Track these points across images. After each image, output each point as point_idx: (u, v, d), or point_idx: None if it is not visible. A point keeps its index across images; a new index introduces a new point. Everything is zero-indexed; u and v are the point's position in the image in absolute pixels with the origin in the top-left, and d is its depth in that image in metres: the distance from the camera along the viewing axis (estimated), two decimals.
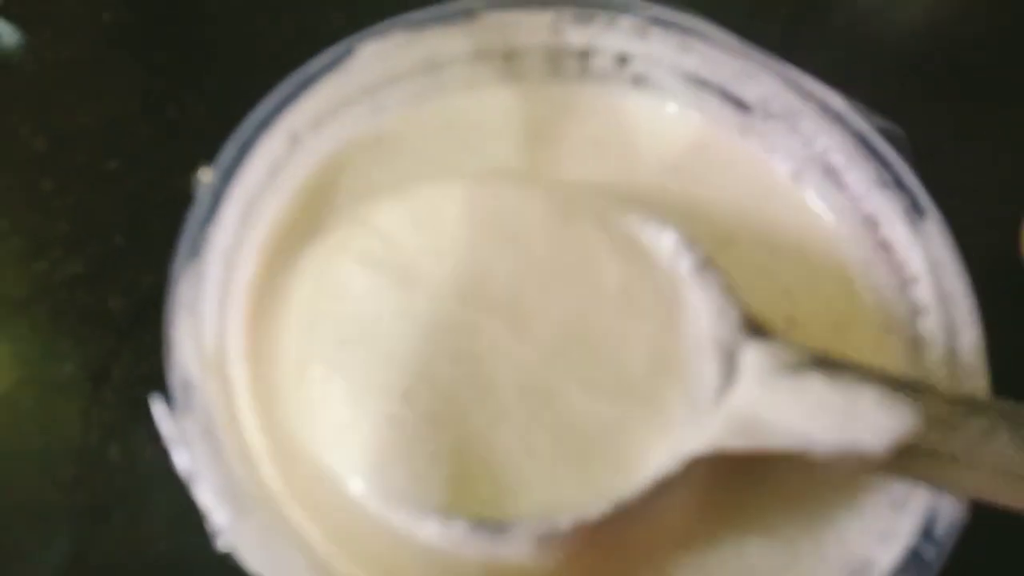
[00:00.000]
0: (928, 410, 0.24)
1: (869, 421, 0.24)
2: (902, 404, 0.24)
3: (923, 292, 0.30)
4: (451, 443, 0.26)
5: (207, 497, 0.23)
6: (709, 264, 0.29)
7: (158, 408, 0.24)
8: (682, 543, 0.27)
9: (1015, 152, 0.42)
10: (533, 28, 0.34)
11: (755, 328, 0.27)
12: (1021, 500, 0.24)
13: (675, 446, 0.26)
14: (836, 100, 0.33)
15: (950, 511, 0.26)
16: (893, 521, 0.27)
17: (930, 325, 0.30)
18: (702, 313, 0.28)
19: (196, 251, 0.27)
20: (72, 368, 0.32)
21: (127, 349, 0.32)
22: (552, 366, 0.27)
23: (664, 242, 0.29)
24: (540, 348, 0.27)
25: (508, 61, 0.35)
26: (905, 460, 0.24)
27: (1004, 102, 0.45)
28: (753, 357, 0.26)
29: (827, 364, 0.26)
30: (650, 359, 0.27)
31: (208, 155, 0.29)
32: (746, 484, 0.28)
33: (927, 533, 0.25)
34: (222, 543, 0.23)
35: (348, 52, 0.31)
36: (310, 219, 0.31)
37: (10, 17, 0.40)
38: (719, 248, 0.32)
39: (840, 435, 0.24)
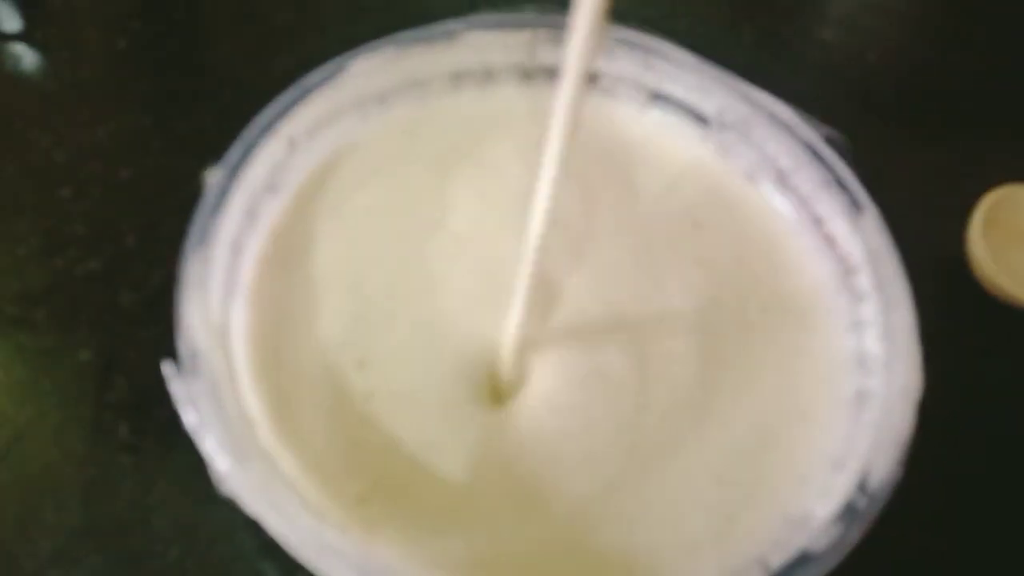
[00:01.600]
0: None
1: None
2: None
3: (863, 280, 0.33)
4: None
5: (211, 447, 0.26)
6: None
7: (169, 372, 0.27)
8: None
9: (959, 169, 0.46)
10: (510, 47, 0.38)
11: None
12: None
13: None
14: (784, 111, 0.36)
15: (884, 469, 0.28)
16: (832, 479, 0.29)
17: (869, 309, 0.32)
18: None
19: (204, 238, 0.30)
20: (87, 355, 0.35)
21: (137, 338, 0.35)
22: None
23: None
24: None
25: (485, 76, 0.38)
26: None
27: (952, 124, 0.48)
28: None
29: None
30: None
31: (214, 164, 0.32)
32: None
33: (862, 487, 0.28)
34: (225, 489, 0.26)
35: (341, 67, 0.35)
36: (304, 212, 0.34)
37: (32, 42, 0.44)
38: (690, 230, 0.36)
39: None
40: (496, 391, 0.31)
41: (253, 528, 0.26)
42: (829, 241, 0.35)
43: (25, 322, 0.35)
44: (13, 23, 0.43)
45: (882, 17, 0.53)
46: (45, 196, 0.39)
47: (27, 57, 0.43)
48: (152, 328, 0.35)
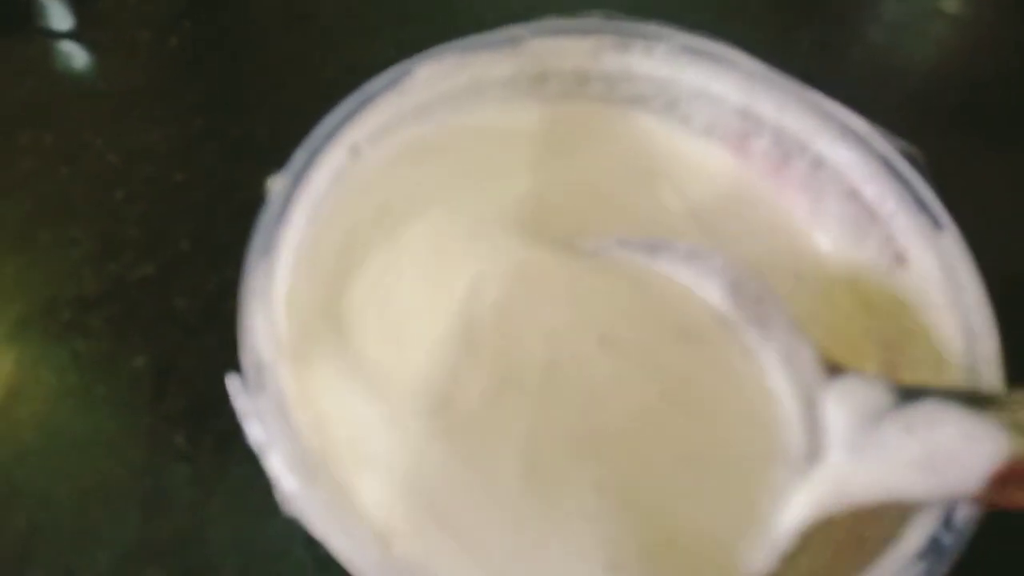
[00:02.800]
0: (1015, 422, 0.23)
1: (957, 461, 0.24)
2: (988, 431, 0.23)
3: (940, 305, 0.31)
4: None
5: (277, 466, 0.25)
6: (771, 307, 0.28)
7: (234, 386, 0.26)
8: None
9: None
10: (574, 54, 0.37)
11: (828, 365, 0.27)
12: None
13: (780, 522, 0.26)
14: (857, 122, 0.35)
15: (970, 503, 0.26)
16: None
17: (949, 336, 0.31)
18: (772, 359, 0.28)
19: (269, 247, 0.29)
20: (142, 362, 0.34)
21: (192, 345, 0.35)
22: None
23: (711, 289, 0.30)
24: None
25: (545, 83, 0.37)
26: (1011, 485, 0.24)
27: (1015, 131, 0.47)
28: (834, 411, 0.26)
29: (905, 398, 0.25)
30: (730, 437, 0.27)
31: (267, 170, 0.31)
32: None
33: (947, 521, 0.26)
34: (289, 509, 0.25)
35: (406, 72, 0.34)
36: (368, 222, 0.33)
37: (83, 42, 0.43)
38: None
39: (931, 484, 0.24)
40: None
41: (311, 543, 0.25)
42: (901, 260, 0.34)
43: (80, 327, 0.35)
44: (65, 22, 0.43)
45: (937, 21, 0.52)
46: (99, 199, 0.38)
47: (78, 57, 0.43)
48: (208, 335, 0.34)
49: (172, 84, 0.43)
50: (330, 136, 0.32)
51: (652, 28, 0.37)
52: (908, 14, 0.52)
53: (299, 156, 0.31)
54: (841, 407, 0.25)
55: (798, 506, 0.26)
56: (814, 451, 0.26)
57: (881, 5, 0.53)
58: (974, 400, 0.25)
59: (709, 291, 0.30)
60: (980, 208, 0.42)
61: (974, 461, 0.23)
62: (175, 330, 0.35)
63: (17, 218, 0.37)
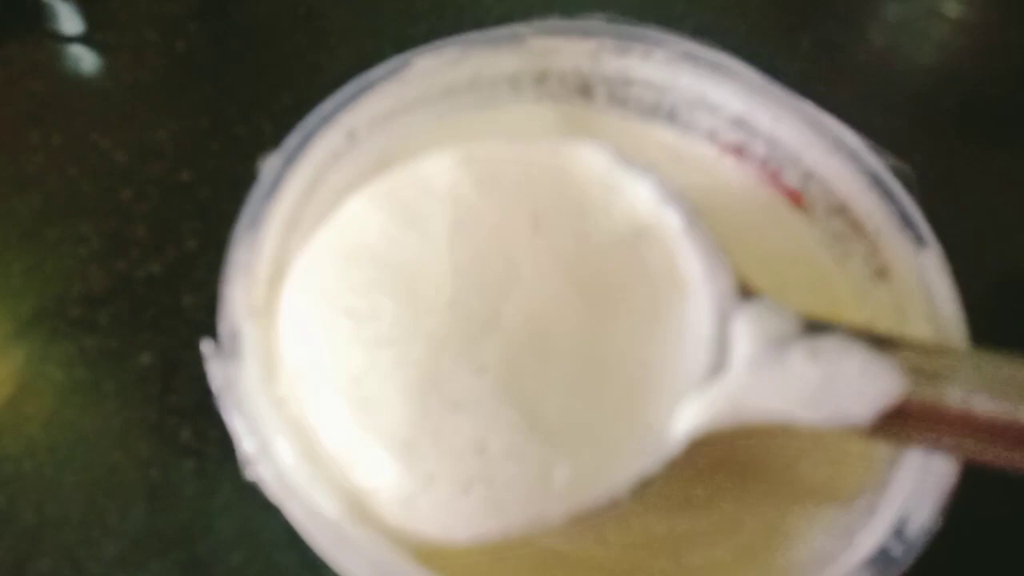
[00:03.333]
0: (912, 366, 0.25)
1: (853, 392, 0.25)
2: (885, 368, 0.25)
3: (918, 317, 0.32)
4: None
5: (239, 430, 0.26)
6: (696, 221, 0.29)
7: (208, 351, 0.27)
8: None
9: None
10: (574, 54, 0.37)
11: (744, 290, 0.28)
12: (1006, 457, 0.25)
13: (671, 426, 0.26)
14: (850, 137, 0.36)
15: (923, 515, 0.26)
16: (865, 520, 0.28)
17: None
18: (693, 274, 0.28)
19: (256, 221, 0.30)
20: (149, 358, 0.35)
21: (199, 342, 0.35)
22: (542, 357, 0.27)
23: (643, 192, 0.30)
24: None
25: (545, 82, 0.38)
26: (895, 424, 0.25)
27: (1015, 132, 0.48)
28: (742, 330, 0.26)
29: (812, 330, 0.26)
30: (637, 338, 0.27)
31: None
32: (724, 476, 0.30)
33: (898, 533, 0.26)
34: (250, 473, 0.26)
35: (405, 63, 0.35)
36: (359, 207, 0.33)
37: (92, 44, 0.44)
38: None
39: (825, 411, 0.25)
40: None
41: None
42: (882, 274, 0.34)
43: (88, 324, 0.35)
44: (74, 25, 0.43)
45: (940, 24, 0.52)
46: (106, 198, 0.39)
47: (87, 59, 0.43)
48: (214, 332, 0.35)
49: (179, 85, 0.43)
50: (326, 120, 0.33)
51: (652, 33, 0.38)
52: (909, 16, 0.53)
53: (293, 137, 0.32)
54: (749, 327, 0.26)
55: (691, 414, 0.26)
56: (717, 366, 0.26)
57: (882, 7, 0.53)
58: (878, 341, 0.26)
59: (645, 196, 0.30)
60: (978, 209, 0.43)
61: (869, 395, 0.25)
62: (182, 327, 0.36)
63: (27, 216, 0.38)
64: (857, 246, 0.35)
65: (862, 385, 0.25)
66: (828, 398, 0.25)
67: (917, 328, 0.32)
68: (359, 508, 0.26)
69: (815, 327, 0.26)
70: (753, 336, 0.26)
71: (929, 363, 0.26)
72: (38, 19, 0.44)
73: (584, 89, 0.39)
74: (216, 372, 0.27)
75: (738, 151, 0.38)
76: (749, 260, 0.32)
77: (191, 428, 0.33)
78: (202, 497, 0.32)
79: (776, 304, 0.27)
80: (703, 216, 0.29)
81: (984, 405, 0.25)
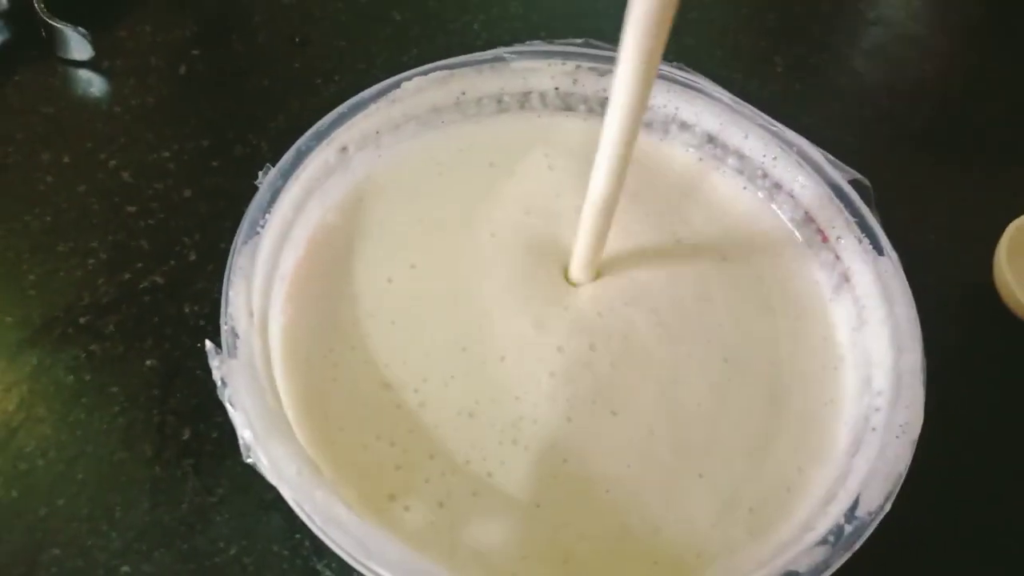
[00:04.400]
0: None
1: None
2: None
3: (876, 320, 0.34)
4: None
5: (238, 420, 0.28)
6: None
7: (210, 349, 0.29)
8: None
9: (986, 197, 0.47)
10: (554, 75, 0.40)
11: None
12: None
13: None
14: (814, 153, 0.38)
15: (874, 498, 0.29)
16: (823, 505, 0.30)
17: (881, 346, 0.34)
18: None
19: (254, 231, 0.32)
20: (152, 363, 0.37)
21: (198, 349, 0.37)
22: None
23: None
24: None
25: (527, 99, 0.40)
26: None
27: (978, 152, 0.50)
28: None
29: None
30: None
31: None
32: None
33: (848, 514, 0.28)
34: (248, 457, 0.28)
35: (396, 85, 0.37)
36: (351, 215, 0.36)
37: (100, 70, 0.46)
38: (716, 264, 0.37)
39: None
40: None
41: (308, 531, 0.27)
42: (846, 280, 0.36)
43: (95, 331, 0.37)
44: (84, 52, 0.46)
45: (912, 48, 0.54)
46: (113, 213, 0.41)
47: (96, 83, 0.46)
48: (213, 339, 0.37)
49: (181, 107, 0.45)
50: (320, 137, 0.35)
51: None
52: (881, 41, 0.55)
53: (290, 153, 0.35)
54: None
55: None
56: None
57: (857, 32, 0.55)
58: None
59: None
60: (939, 221, 0.45)
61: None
62: (183, 334, 0.38)
63: (38, 230, 0.40)
64: (823, 253, 0.37)
65: None
66: None
67: (875, 327, 0.34)
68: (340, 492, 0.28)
69: None
70: None
71: None
72: (50, 46, 0.46)
73: (566, 107, 0.41)
74: (217, 367, 0.29)
75: (716, 163, 0.40)
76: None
77: (191, 428, 0.35)
78: (201, 493, 0.34)
79: None
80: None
81: None
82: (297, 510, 0.27)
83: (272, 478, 0.27)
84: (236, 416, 0.28)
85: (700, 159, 0.40)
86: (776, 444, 0.33)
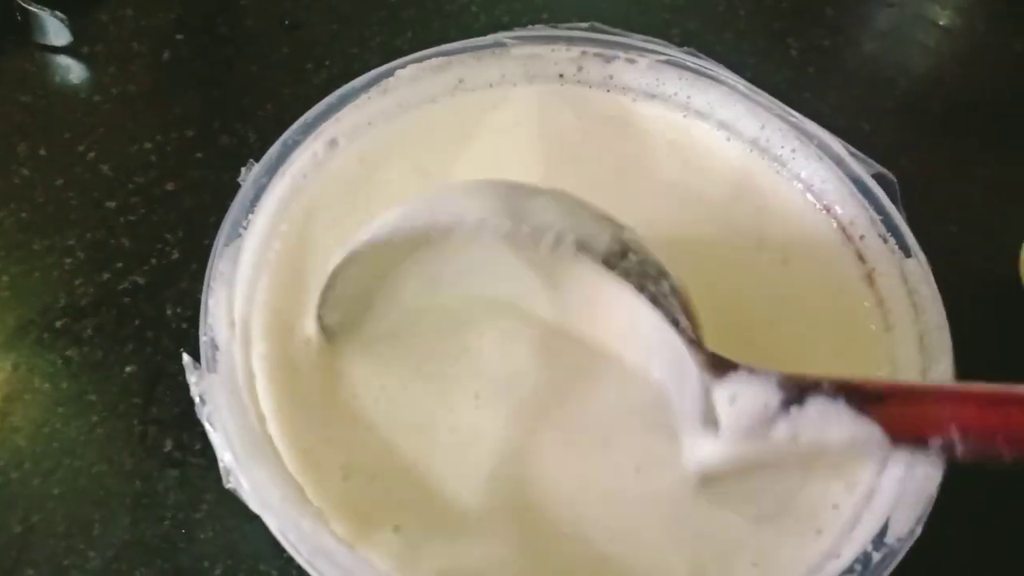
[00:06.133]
0: (895, 421, 0.26)
1: (840, 453, 0.27)
2: (869, 432, 0.25)
3: (904, 322, 0.32)
4: None
5: (218, 442, 0.26)
6: (661, 296, 0.28)
7: (188, 363, 0.27)
8: None
9: (1009, 185, 0.45)
10: (558, 62, 0.38)
11: (718, 365, 0.27)
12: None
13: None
14: (835, 144, 0.36)
15: (905, 523, 0.27)
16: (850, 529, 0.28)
17: (908, 354, 0.32)
18: (662, 353, 0.29)
19: (236, 232, 0.30)
20: (133, 369, 0.35)
21: (181, 352, 0.35)
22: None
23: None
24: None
25: (529, 84, 0.38)
26: None
27: (1000, 138, 0.48)
28: (722, 407, 0.27)
29: (792, 399, 0.26)
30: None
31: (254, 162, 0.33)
32: None
33: (878, 540, 0.27)
34: (229, 482, 0.26)
35: (388, 73, 0.35)
36: (341, 213, 0.34)
37: (78, 55, 0.44)
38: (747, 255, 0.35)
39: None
40: None
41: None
42: (869, 280, 0.34)
43: (73, 335, 0.36)
44: (62, 37, 0.44)
45: (928, 31, 0.52)
46: (91, 209, 0.39)
47: (75, 70, 0.44)
48: (197, 344, 0.35)
49: (165, 95, 0.43)
50: (308, 129, 0.33)
51: (636, 41, 0.38)
52: (898, 23, 0.53)
53: (275, 148, 0.33)
54: (726, 406, 0.27)
55: (701, 455, 0.28)
56: (711, 427, 0.27)
57: (872, 14, 0.53)
58: (860, 396, 0.26)
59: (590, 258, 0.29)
60: (963, 214, 0.43)
61: (856, 454, 0.27)
62: (165, 337, 0.36)
63: (13, 227, 0.38)
64: (844, 251, 0.35)
65: (848, 449, 0.26)
66: (817, 457, 0.27)
67: (902, 332, 0.32)
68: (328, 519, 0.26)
69: (795, 393, 0.26)
70: (731, 415, 0.26)
71: (913, 412, 0.26)
72: (26, 31, 0.44)
73: (569, 92, 0.39)
74: (195, 383, 0.27)
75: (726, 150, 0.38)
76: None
77: (174, 439, 0.34)
78: (185, 507, 0.32)
79: (752, 377, 0.27)
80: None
81: None
82: (282, 540, 0.25)
83: (254, 506, 0.25)
84: (215, 437, 0.26)
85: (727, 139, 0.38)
86: None
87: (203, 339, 0.28)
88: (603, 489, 0.29)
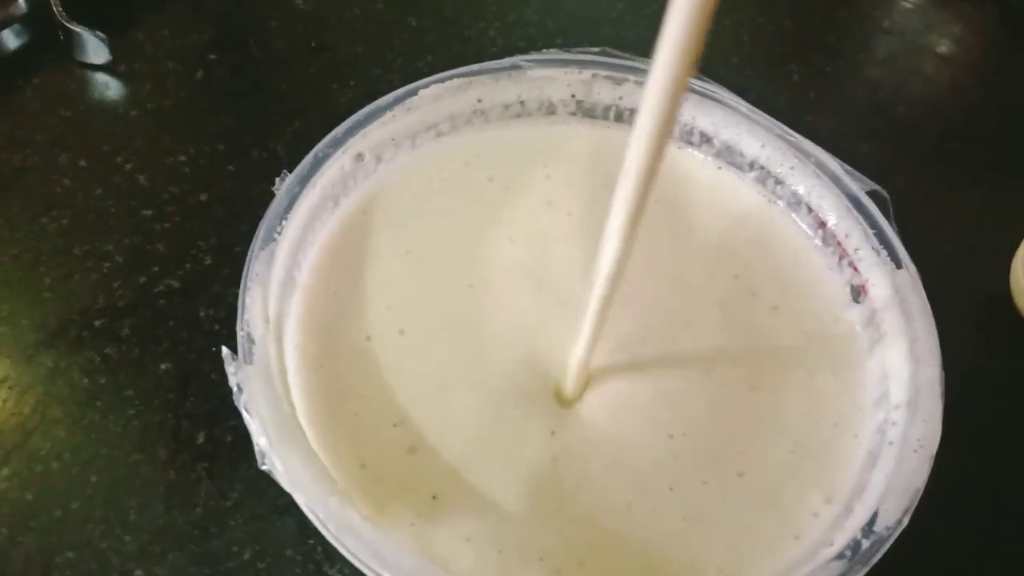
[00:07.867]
0: None
1: None
2: None
3: (894, 333, 0.34)
4: None
5: (254, 427, 0.28)
6: None
7: (226, 355, 0.29)
8: None
9: (1000, 207, 0.47)
10: (570, 83, 0.40)
11: None
12: None
13: None
14: (832, 163, 0.38)
15: (893, 512, 0.29)
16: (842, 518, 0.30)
17: (898, 359, 0.34)
18: None
19: (271, 237, 0.33)
20: (167, 367, 0.37)
21: (213, 353, 0.37)
22: None
23: None
24: None
25: (544, 105, 0.40)
26: None
27: (993, 164, 0.50)
28: None
29: None
30: None
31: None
32: None
33: (866, 528, 0.28)
34: (263, 464, 0.28)
35: (411, 92, 0.37)
36: (365, 222, 0.37)
37: (117, 73, 0.47)
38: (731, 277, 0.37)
39: None
40: (558, 398, 0.33)
41: (321, 536, 0.28)
42: (862, 291, 0.36)
43: (111, 335, 0.38)
44: (101, 55, 0.46)
45: (927, 58, 0.54)
46: (129, 217, 0.41)
47: (113, 87, 0.46)
48: (228, 343, 0.37)
49: (198, 111, 0.46)
50: (337, 144, 0.35)
51: (645, 65, 0.40)
52: (897, 51, 0.55)
53: (307, 160, 0.35)
54: None
55: None
56: None
57: (873, 41, 0.55)
58: None
59: None
60: (955, 233, 0.45)
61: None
62: (198, 338, 0.38)
63: (55, 233, 0.40)
64: (840, 264, 0.37)
65: None
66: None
67: (893, 339, 0.34)
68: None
69: None
70: None
71: None
72: (67, 49, 0.46)
73: (584, 115, 0.41)
74: (233, 373, 0.29)
75: (725, 170, 0.40)
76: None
77: (205, 432, 0.35)
78: (215, 496, 0.34)
79: None
80: None
81: None
82: (311, 517, 0.27)
83: (287, 485, 0.27)
84: (251, 423, 0.28)
85: (719, 168, 0.40)
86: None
87: (240, 333, 0.30)
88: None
